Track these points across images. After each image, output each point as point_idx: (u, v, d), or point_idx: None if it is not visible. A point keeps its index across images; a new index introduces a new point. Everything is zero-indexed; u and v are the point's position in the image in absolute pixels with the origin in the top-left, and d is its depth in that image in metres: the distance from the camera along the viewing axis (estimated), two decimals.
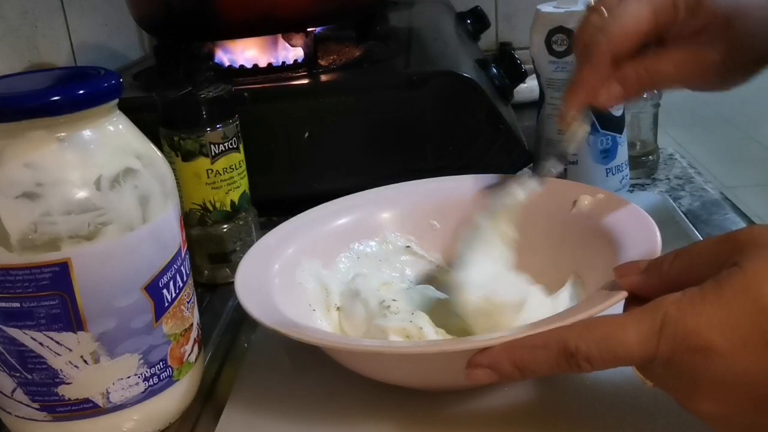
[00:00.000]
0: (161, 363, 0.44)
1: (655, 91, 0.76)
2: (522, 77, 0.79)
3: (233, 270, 0.50)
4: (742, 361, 0.33)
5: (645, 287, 0.39)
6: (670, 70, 0.47)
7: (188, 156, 0.59)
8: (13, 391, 0.42)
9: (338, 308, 0.52)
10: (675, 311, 0.35)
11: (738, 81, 0.50)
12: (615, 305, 0.40)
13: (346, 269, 0.55)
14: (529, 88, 0.87)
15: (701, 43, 0.46)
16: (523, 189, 0.51)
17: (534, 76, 0.72)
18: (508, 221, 0.51)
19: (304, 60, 0.76)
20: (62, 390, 0.42)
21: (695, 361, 0.34)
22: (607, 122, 0.67)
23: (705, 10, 0.45)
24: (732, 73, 0.48)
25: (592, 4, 0.48)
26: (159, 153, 0.45)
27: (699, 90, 0.51)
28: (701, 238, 0.59)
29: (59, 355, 0.41)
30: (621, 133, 0.69)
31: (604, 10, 0.47)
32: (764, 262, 0.34)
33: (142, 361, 0.43)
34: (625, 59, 0.47)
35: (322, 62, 0.77)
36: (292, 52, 0.77)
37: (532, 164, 0.73)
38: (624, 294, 0.40)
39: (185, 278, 0.46)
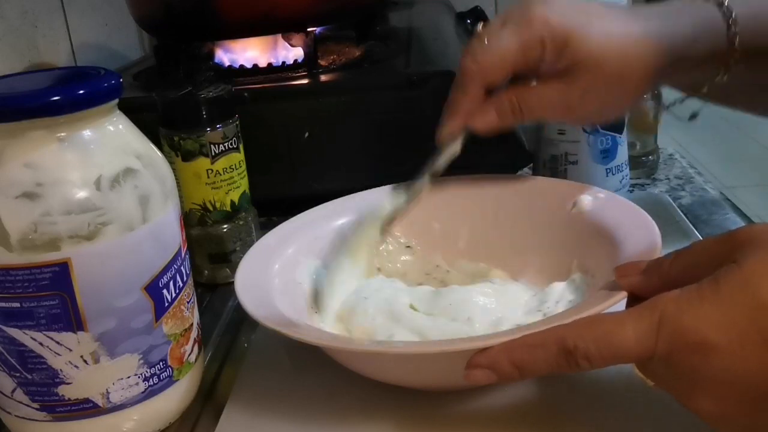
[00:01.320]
0: (161, 363, 0.44)
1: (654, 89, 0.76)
2: None
3: (233, 270, 0.50)
4: (741, 360, 0.33)
5: (645, 287, 0.39)
6: (537, 103, 0.50)
7: (188, 156, 0.59)
8: (13, 391, 0.42)
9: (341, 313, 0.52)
10: (673, 308, 0.35)
11: (605, 117, 0.53)
12: (615, 305, 0.40)
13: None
14: None
15: (566, 81, 0.49)
16: (391, 202, 0.54)
17: None
18: (375, 230, 0.54)
19: (304, 60, 0.76)
20: (62, 390, 0.42)
21: (693, 359, 0.34)
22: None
23: (570, 52, 0.48)
24: (598, 111, 0.51)
25: (478, 29, 0.51)
26: (159, 153, 0.45)
27: (569, 123, 0.53)
28: (701, 238, 0.59)
29: (59, 355, 0.41)
30: (621, 133, 0.69)
31: (484, 38, 0.49)
32: (762, 260, 0.34)
33: (142, 361, 0.43)
34: (501, 87, 0.50)
35: (322, 62, 0.77)
36: (292, 52, 0.77)
37: (532, 165, 0.73)
38: (624, 294, 0.40)
39: (185, 278, 0.46)
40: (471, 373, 0.39)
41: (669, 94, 0.58)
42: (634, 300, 0.40)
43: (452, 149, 0.53)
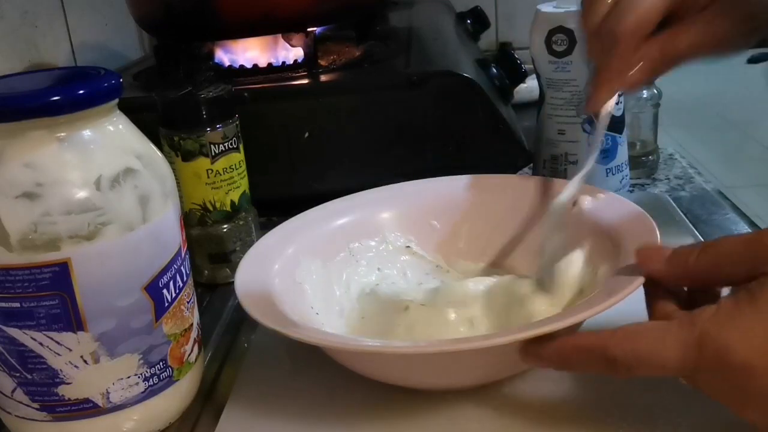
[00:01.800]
0: (161, 363, 0.44)
1: (654, 89, 0.76)
2: (522, 77, 0.79)
3: (233, 270, 0.50)
4: None
5: (668, 277, 0.40)
6: (690, 42, 0.46)
7: (188, 156, 0.59)
8: (13, 391, 0.42)
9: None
10: (712, 327, 0.35)
11: (752, 43, 0.50)
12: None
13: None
14: (529, 88, 0.87)
15: (713, 13, 0.46)
16: (571, 185, 0.52)
17: (534, 76, 0.72)
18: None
19: (304, 60, 0.76)
20: (62, 390, 0.42)
21: (737, 377, 0.35)
22: None
23: None
24: (746, 37, 0.48)
25: None
26: (159, 153, 0.45)
27: (718, 57, 0.50)
28: (701, 238, 0.59)
29: (59, 355, 0.41)
30: (621, 133, 0.69)
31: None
32: None
33: (142, 361, 0.43)
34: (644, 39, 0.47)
35: (322, 62, 0.77)
36: (292, 52, 0.77)
37: (532, 165, 0.73)
38: (642, 280, 0.41)
39: (185, 278, 0.46)
40: (526, 357, 0.40)
41: None
42: (653, 285, 0.40)
43: (608, 114, 0.50)
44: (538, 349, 0.40)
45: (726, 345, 0.35)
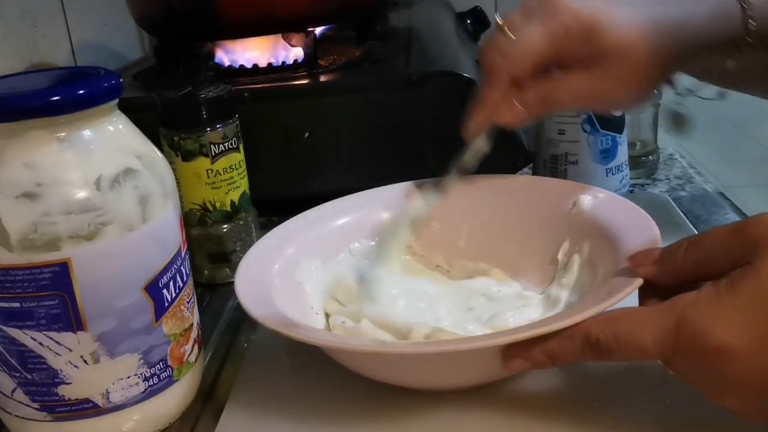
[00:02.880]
0: (161, 363, 0.44)
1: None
2: None
3: (233, 270, 0.50)
4: (759, 363, 0.34)
5: (659, 277, 0.40)
6: (565, 94, 0.49)
7: (188, 156, 0.59)
8: (13, 391, 0.42)
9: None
10: (691, 312, 0.36)
11: (633, 104, 0.52)
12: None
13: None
14: None
15: (594, 70, 0.48)
16: (425, 202, 0.54)
17: None
18: (408, 233, 0.54)
19: (304, 60, 0.76)
20: (62, 390, 0.42)
21: (713, 362, 0.35)
22: (607, 122, 0.67)
23: (596, 40, 0.47)
24: (626, 98, 0.50)
25: (499, 22, 0.50)
26: (159, 153, 0.45)
27: (596, 111, 0.53)
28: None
29: (59, 355, 0.41)
30: (621, 133, 0.69)
31: (507, 31, 0.49)
32: None
33: (142, 361, 0.43)
34: (528, 80, 0.49)
35: (322, 62, 0.77)
36: (292, 52, 0.77)
37: (532, 165, 0.73)
38: (640, 281, 0.41)
39: (185, 278, 0.46)
40: (510, 363, 0.40)
41: (685, 80, 0.57)
42: (649, 286, 0.41)
43: (479, 145, 0.53)
44: (520, 351, 0.40)
45: (703, 329, 0.35)
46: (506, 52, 0.48)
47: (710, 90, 0.57)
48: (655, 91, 0.52)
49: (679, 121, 0.75)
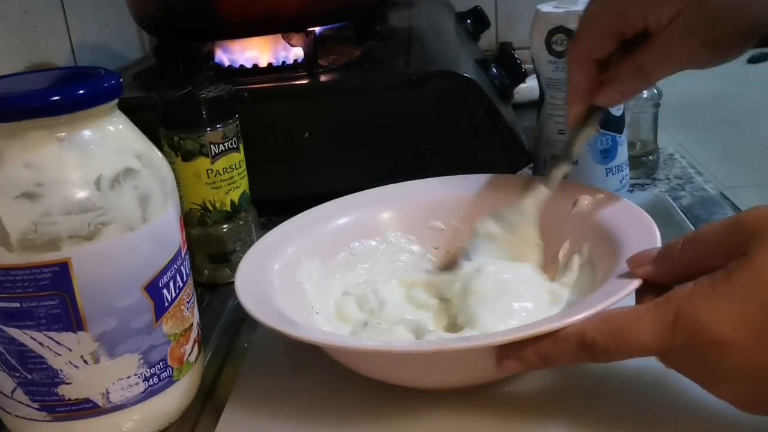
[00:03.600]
0: (161, 363, 0.44)
1: (654, 89, 0.76)
2: (522, 77, 0.79)
3: (233, 270, 0.50)
4: (756, 353, 0.34)
5: (657, 276, 0.40)
6: (657, 61, 0.49)
7: (188, 156, 0.59)
8: (13, 391, 0.42)
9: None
10: (687, 305, 0.36)
11: (727, 56, 0.50)
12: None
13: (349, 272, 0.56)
14: (529, 88, 0.87)
15: (681, 27, 0.47)
16: (535, 199, 0.53)
17: (534, 76, 0.72)
18: (529, 227, 0.53)
19: (304, 60, 0.76)
20: (62, 390, 0.42)
21: (710, 354, 0.35)
22: (607, 122, 0.67)
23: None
24: (719, 49, 0.49)
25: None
26: (159, 153, 0.45)
27: (693, 69, 0.52)
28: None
29: (59, 355, 0.41)
30: (621, 133, 0.68)
31: (582, 17, 0.50)
32: None
33: (142, 361, 0.43)
34: (613, 57, 0.49)
35: (322, 62, 0.77)
36: (292, 52, 0.77)
37: (532, 165, 0.73)
38: (638, 282, 0.41)
39: (185, 278, 0.46)
40: (503, 364, 0.40)
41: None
42: (646, 286, 0.41)
43: (587, 132, 0.53)
44: (513, 352, 0.40)
45: (699, 321, 0.35)
46: (579, 36, 0.49)
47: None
48: (753, 37, 0.50)
49: None
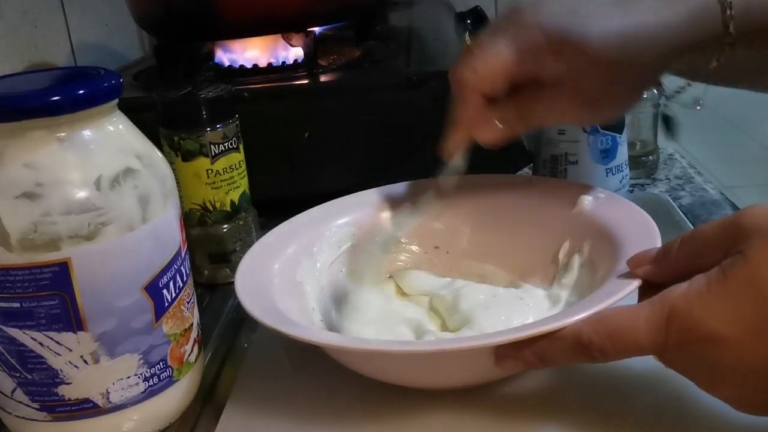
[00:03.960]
0: (161, 363, 0.44)
1: (654, 89, 0.76)
2: None
3: (233, 270, 0.50)
4: (751, 351, 0.34)
5: (656, 275, 0.41)
6: (540, 110, 0.49)
7: (188, 156, 0.59)
8: (13, 391, 0.42)
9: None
10: (682, 304, 0.36)
11: (615, 114, 0.55)
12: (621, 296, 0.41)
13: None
14: None
15: (567, 85, 0.47)
16: (398, 226, 0.56)
17: None
18: (381, 257, 0.55)
19: (304, 60, 0.76)
20: (62, 390, 0.42)
21: (705, 352, 0.35)
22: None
23: (568, 55, 0.46)
24: (607, 106, 0.50)
25: (468, 44, 0.49)
26: (159, 153, 0.45)
27: (574, 124, 0.55)
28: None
29: (59, 355, 0.41)
30: (621, 133, 0.69)
31: (477, 49, 0.48)
32: (767, 250, 0.35)
33: (142, 361, 0.43)
34: (503, 97, 0.49)
35: (322, 62, 0.77)
36: (292, 52, 0.77)
37: (532, 165, 0.73)
38: (638, 282, 0.41)
39: (185, 278, 0.46)
40: (501, 363, 0.40)
41: (671, 82, 0.57)
42: (646, 287, 0.41)
43: (457, 164, 0.53)
44: (512, 351, 0.40)
45: (694, 319, 0.35)
46: (475, 68, 0.48)
47: (687, 96, 0.57)
48: (638, 99, 0.52)
49: (668, 124, 0.75)
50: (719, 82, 0.54)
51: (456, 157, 0.52)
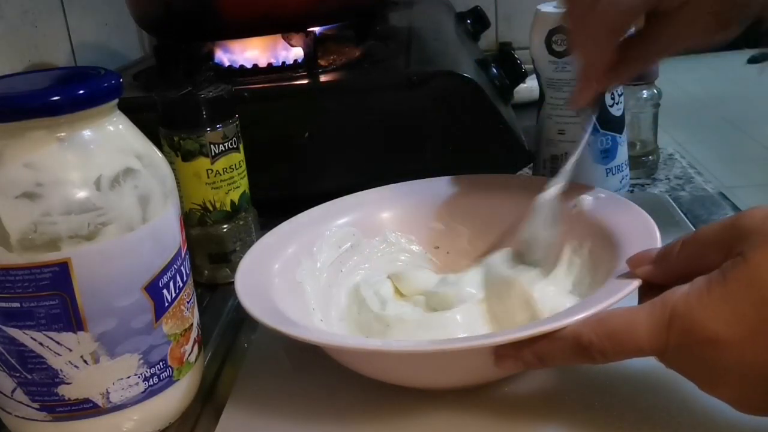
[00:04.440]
0: (161, 363, 0.44)
1: (654, 89, 0.76)
2: (522, 77, 0.79)
3: (233, 270, 0.50)
4: (751, 352, 0.34)
5: (656, 276, 0.41)
6: (669, 37, 0.48)
7: (188, 156, 0.59)
8: (13, 391, 0.42)
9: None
10: (682, 305, 0.36)
11: (734, 32, 0.49)
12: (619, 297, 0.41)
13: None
14: (529, 88, 0.87)
15: (692, 6, 0.46)
16: (554, 184, 0.52)
17: (534, 76, 0.72)
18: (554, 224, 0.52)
19: (304, 60, 0.76)
20: (62, 390, 0.42)
21: (705, 353, 0.35)
22: (607, 122, 0.67)
23: None
24: (727, 26, 0.48)
25: None
26: (159, 153, 0.45)
27: (699, 48, 0.50)
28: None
29: (59, 355, 0.41)
30: (621, 133, 0.69)
31: None
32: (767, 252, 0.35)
33: (142, 361, 0.43)
34: (627, 33, 0.48)
35: (322, 62, 0.77)
36: (292, 52, 0.77)
37: (532, 165, 0.73)
38: (638, 282, 0.41)
39: (185, 278, 0.46)
40: (501, 362, 0.40)
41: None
42: (646, 287, 0.41)
43: (591, 113, 0.52)
44: (512, 351, 0.40)
45: (694, 321, 0.35)
46: (602, 6, 0.46)
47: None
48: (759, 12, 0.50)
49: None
50: None
51: (591, 107, 0.51)
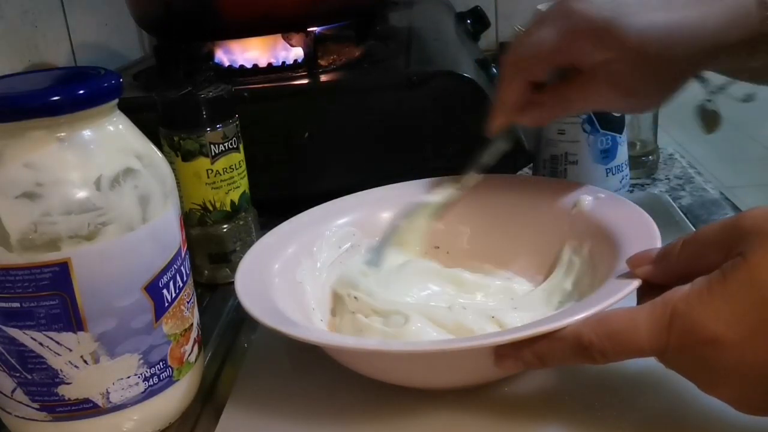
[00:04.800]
0: (161, 363, 0.44)
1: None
2: None
3: (233, 270, 0.50)
4: (751, 352, 0.34)
5: (656, 276, 0.41)
6: (582, 96, 0.51)
7: (188, 156, 0.59)
8: (13, 391, 0.42)
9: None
10: (683, 306, 0.36)
11: (652, 105, 0.55)
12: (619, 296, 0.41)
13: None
14: None
15: (609, 73, 0.48)
16: (444, 195, 0.56)
17: None
18: (423, 219, 0.57)
19: (304, 60, 0.76)
20: (62, 390, 0.42)
21: (706, 353, 0.35)
22: (607, 122, 0.67)
23: (610, 43, 0.47)
24: (645, 97, 0.51)
25: (519, 30, 0.52)
26: (159, 153, 0.45)
27: (614, 112, 0.57)
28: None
29: (59, 355, 0.41)
30: (621, 133, 0.68)
31: (524, 35, 0.51)
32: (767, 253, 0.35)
33: (142, 361, 0.43)
34: (547, 83, 0.51)
35: (322, 62, 0.77)
36: (292, 52, 0.77)
37: (532, 165, 0.73)
38: (638, 282, 0.41)
39: (185, 278, 0.46)
40: (502, 362, 0.41)
41: (716, 78, 0.58)
42: (646, 287, 0.41)
43: (500, 144, 0.54)
44: (512, 351, 0.40)
45: (694, 321, 0.35)
46: (520, 51, 0.50)
47: (739, 88, 0.58)
48: (675, 92, 0.52)
49: (708, 118, 0.75)
50: (764, 82, 0.55)
51: (500, 139, 0.54)
